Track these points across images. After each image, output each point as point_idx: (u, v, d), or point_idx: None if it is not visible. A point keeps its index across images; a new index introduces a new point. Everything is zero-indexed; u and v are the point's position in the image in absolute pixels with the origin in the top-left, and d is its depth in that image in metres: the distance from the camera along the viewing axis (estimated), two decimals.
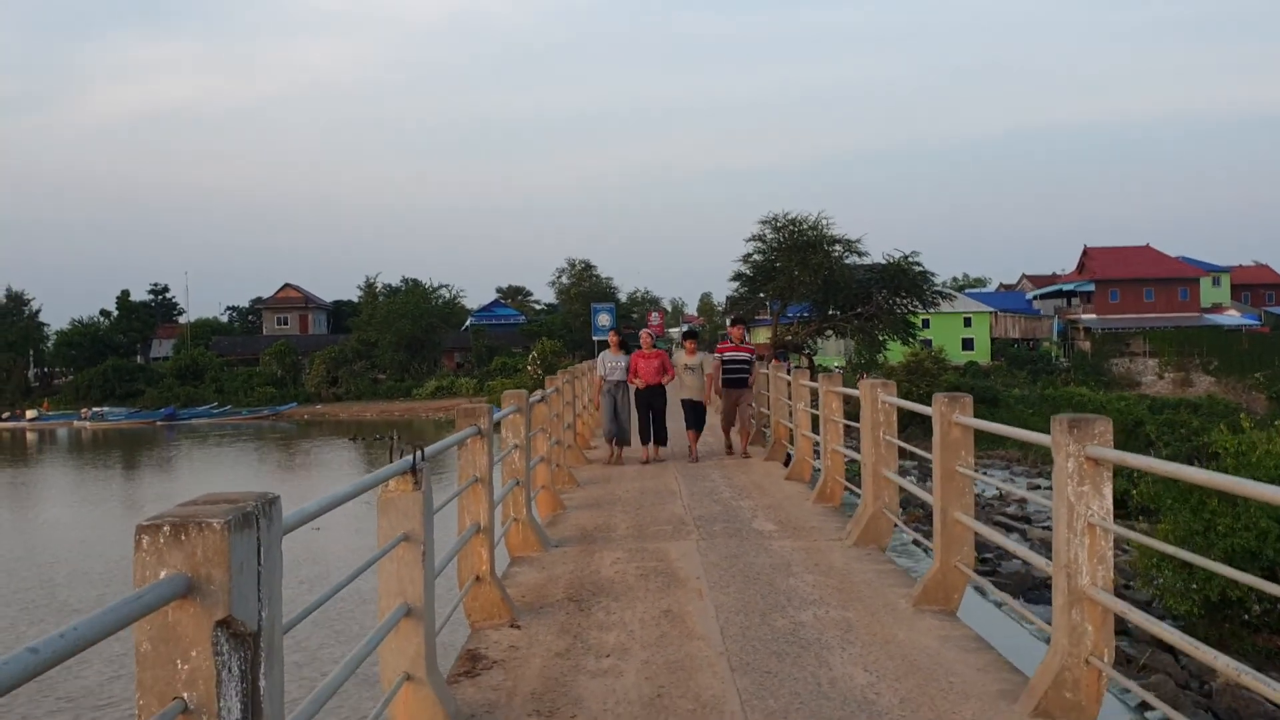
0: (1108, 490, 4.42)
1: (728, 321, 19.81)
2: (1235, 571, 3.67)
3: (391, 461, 4.35)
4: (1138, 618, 4.14)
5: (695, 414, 14.78)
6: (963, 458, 6.24)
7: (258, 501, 2.49)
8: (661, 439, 14.62)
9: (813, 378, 13.01)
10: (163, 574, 2.28)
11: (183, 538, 2.29)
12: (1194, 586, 14.55)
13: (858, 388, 8.64)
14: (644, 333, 15.39)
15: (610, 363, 14.81)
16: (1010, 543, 5.65)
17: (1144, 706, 12.92)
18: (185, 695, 2.29)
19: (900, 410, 8.15)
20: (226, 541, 2.30)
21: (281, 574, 2.63)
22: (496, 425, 8.01)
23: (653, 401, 14.33)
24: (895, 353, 49.95)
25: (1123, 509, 24.94)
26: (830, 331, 50.25)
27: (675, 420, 15.08)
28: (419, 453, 4.43)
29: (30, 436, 61.75)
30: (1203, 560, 3.95)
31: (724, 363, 15.05)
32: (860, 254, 47.52)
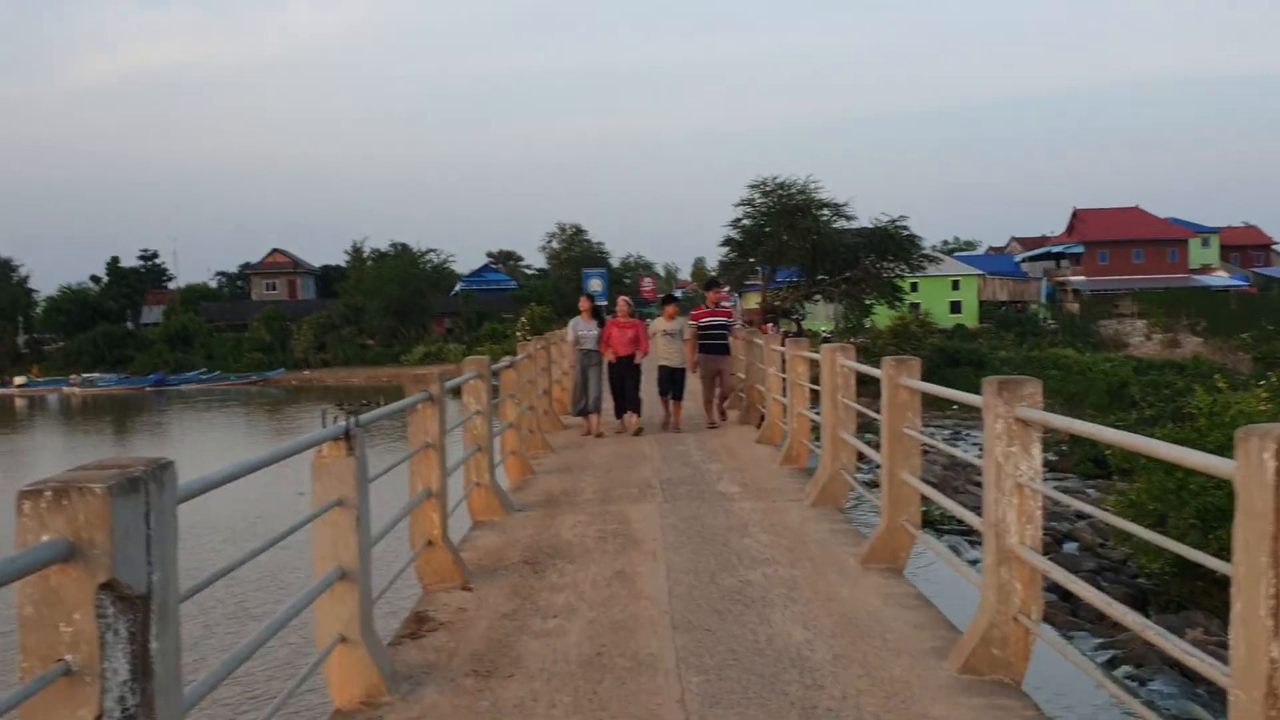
0: (1036, 451, 4.46)
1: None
2: (1156, 535, 3.72)
3: (325, 426, 4.38)
4: (1059, 576, 4.19)
5: (674, 382, 13.87)
6: (909, 419, 6.29)
7: (147, 467, 2.52)
8: (636, 408, 13.78)
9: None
10: (44, 538, 2.31)
11: (64, 502, 2.32)
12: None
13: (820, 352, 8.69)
14: (621, 299, 14.26)
15: (582, 330, 13.88)
16: (949, 502, 5.72)
17: (1113, 663, 13.12)
18: (69, 658, 2.32)
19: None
20: (109, 506, 2.33)
21: (176, 538, 2.65)
22: (458, 390, 8.06)
23: (625, 375, 13.52)
24: (882, 316, 50.01)
25: (1104, 469, 25.20)
26: (819, 296, 50.31)
27: (649, 389, 14.46)
28: (353, 418, 4.45)
29: (19, 403, 61.71)
30: (1131, 527, 4.02)
31: (700, 329, 14.31)
32: (848, 218, 47.54)
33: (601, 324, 13.92)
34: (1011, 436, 4.44)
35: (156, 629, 2.50)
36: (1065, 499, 4.29)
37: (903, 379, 6.24)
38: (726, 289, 16.82)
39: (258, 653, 3.72)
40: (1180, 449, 3.16)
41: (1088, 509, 4.08)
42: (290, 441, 3.97)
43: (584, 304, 14.36)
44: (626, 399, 13.66)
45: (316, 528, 4.36)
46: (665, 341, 13.80)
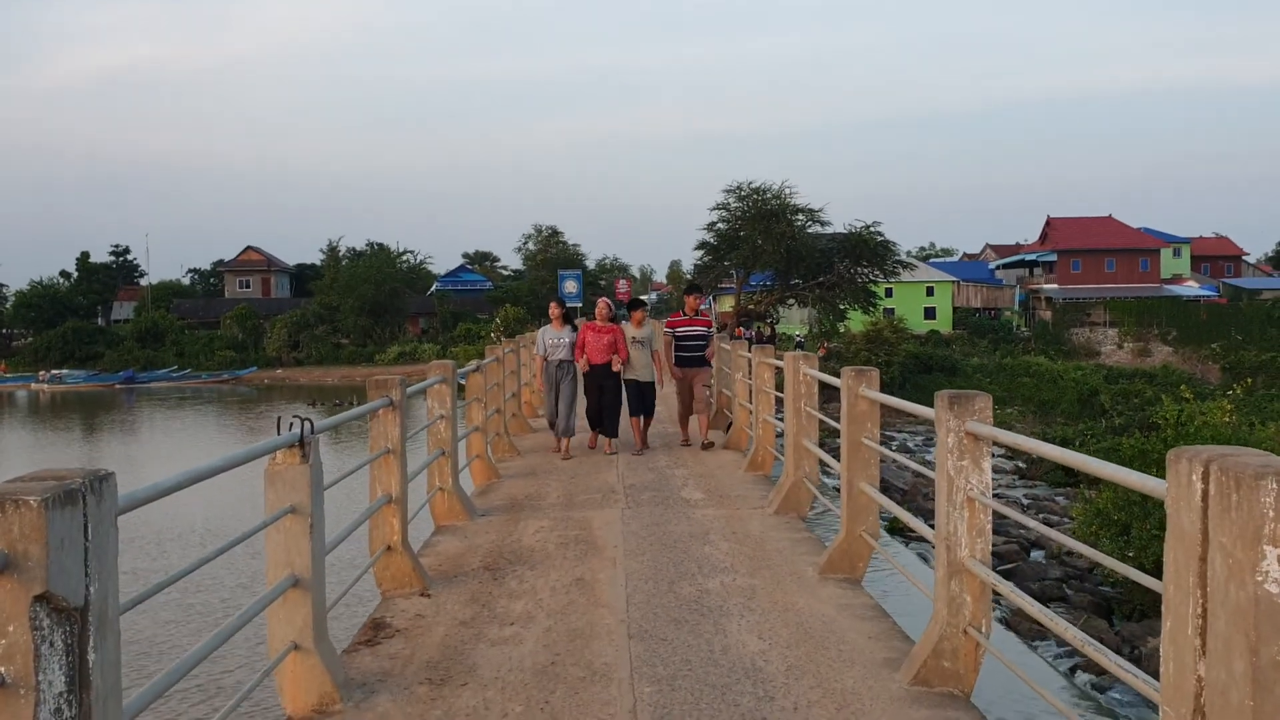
0: (987, 465, 4.51)
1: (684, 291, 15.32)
2: (1105, 557, 3.76)
3: (279, 433, 4.37)
4: (1006, 590, 4.24)
5: (641, 397, 12.48)
6: (869, 430, 6.34)
7: (85, 478, 2.51)
8: (613, 429, 12.32)
9: (774, 344, 12.68)
10: None
11: None
12: (1130, 555, 14.88)
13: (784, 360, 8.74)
14: (601, 301, 12.63)
15: (551, 339, 12.38)
16: (904, 514, 5.76)
17: (1076, 670, 13.25)
18: (2, 670, 2.32)
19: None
20: (44, 518, 2.32)
21: (116, 549, 2.65)
22: (424, 393, 8.07)
23: (603, 384, 12.06)
24: (857, 322, 50.24)
25: (1072, 475, 25.45)
26: (793, 300, 50.49)
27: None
28: (307, 425, 4.45)
29: None
30: (1073, 543, 4.06)
31: (677, 339, 12.90)
32: (823, 223, 47.78)
33: (575, 330, 12.52)
34: (962, 450, 4.49)
35: (94, 640, 2.50)
36: (1016, 515, 4.34)
37: (862, 390, 6.29)
38: (702, 294, 14.35)
39: (210, 660, 3.72)
40: (1115, 467, 3.20)
41: (1035, 524, 4.12)
42: (243, 449, 3.96)
43: (554, 310, 12.76)
44: (604, 415, 12.22)
45: (269, 535, 4.36)
46: (633, 352, 12.32)
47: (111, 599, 2.61)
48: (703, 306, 14.24)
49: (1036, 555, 18.63)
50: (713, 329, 13.26)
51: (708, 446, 12.50)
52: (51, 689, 2.39)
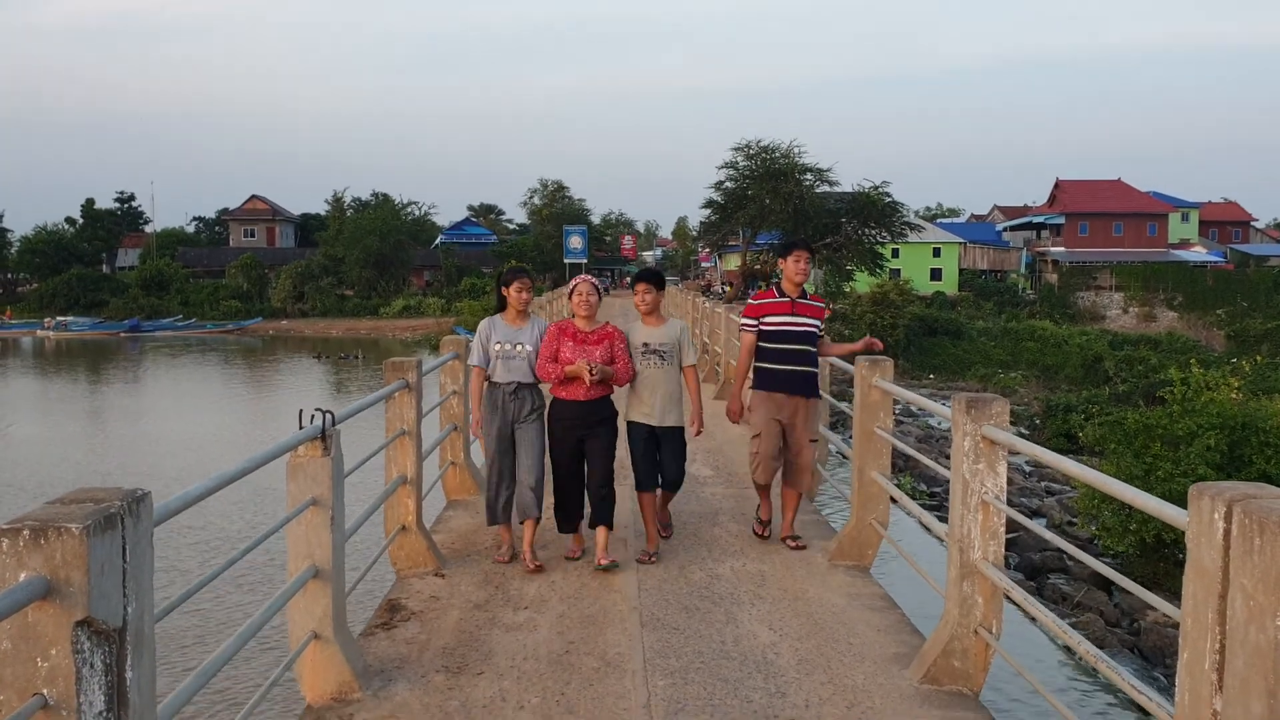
0: (1002, 469, 4.55)
1: (775, 256, 7.73)
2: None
3: (301, 427, 4.41)
4: (1020, 596, 4.29)
5: (670, 453, 6.80)
6: (881, 420, 6.38)
7: (123, 501, 2.55)
8: (606, 514, 6.53)
9: None
10: (22, 576, 2.35)
11: (42, 542, 2.35)
12: (1132, 528, 14.99)
13: None
14: (582, 281, 6.65)
15: (505, 340, 6.62)
16: (915, 506, 5.81)
17: (1071, 649, 13.38)
18: (45, 691, 2.37)
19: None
20: (85, 545, 2.36)
21: (152, 567, 2.70)
22: (436, 346, 8.09)
23: (588, 433, 6.55)
24: (863, 283, 50.15)
25: (1074, 443, 25.60)
26: None
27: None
28: (329, 417, 4.49)
29: None
30: (1071, 547, 4.09)
31: (766, 336, 6.96)
32: (831, 183, 47.56)
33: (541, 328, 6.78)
34: (978, 454, 4.53)
35: (132, 659, 2.55)
36: (1032, 526, 4.39)
37: (875, 380, 6.31)
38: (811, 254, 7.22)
39: (219, 644, 3.78)
40: (1137, 492, 3.23)
41: (1063, 544, 4.17)
42: (267, 448, 4.00)
43: (516, 291, 6.68)
44: (590, 489, 6.62)
45: (291, 528, 4.41)
46: (650, 369, 6.70)
47: (147, 616, 2.66)
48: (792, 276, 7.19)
49: (1037, 523, 18.74)
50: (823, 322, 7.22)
51: (794, 542, 6.97)
52: (92, 709, 2.45)
